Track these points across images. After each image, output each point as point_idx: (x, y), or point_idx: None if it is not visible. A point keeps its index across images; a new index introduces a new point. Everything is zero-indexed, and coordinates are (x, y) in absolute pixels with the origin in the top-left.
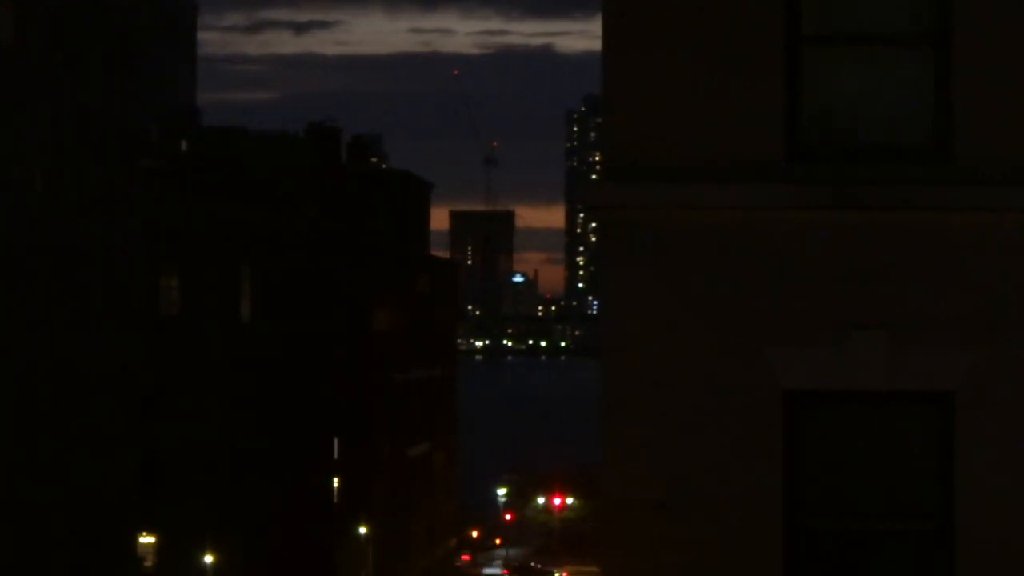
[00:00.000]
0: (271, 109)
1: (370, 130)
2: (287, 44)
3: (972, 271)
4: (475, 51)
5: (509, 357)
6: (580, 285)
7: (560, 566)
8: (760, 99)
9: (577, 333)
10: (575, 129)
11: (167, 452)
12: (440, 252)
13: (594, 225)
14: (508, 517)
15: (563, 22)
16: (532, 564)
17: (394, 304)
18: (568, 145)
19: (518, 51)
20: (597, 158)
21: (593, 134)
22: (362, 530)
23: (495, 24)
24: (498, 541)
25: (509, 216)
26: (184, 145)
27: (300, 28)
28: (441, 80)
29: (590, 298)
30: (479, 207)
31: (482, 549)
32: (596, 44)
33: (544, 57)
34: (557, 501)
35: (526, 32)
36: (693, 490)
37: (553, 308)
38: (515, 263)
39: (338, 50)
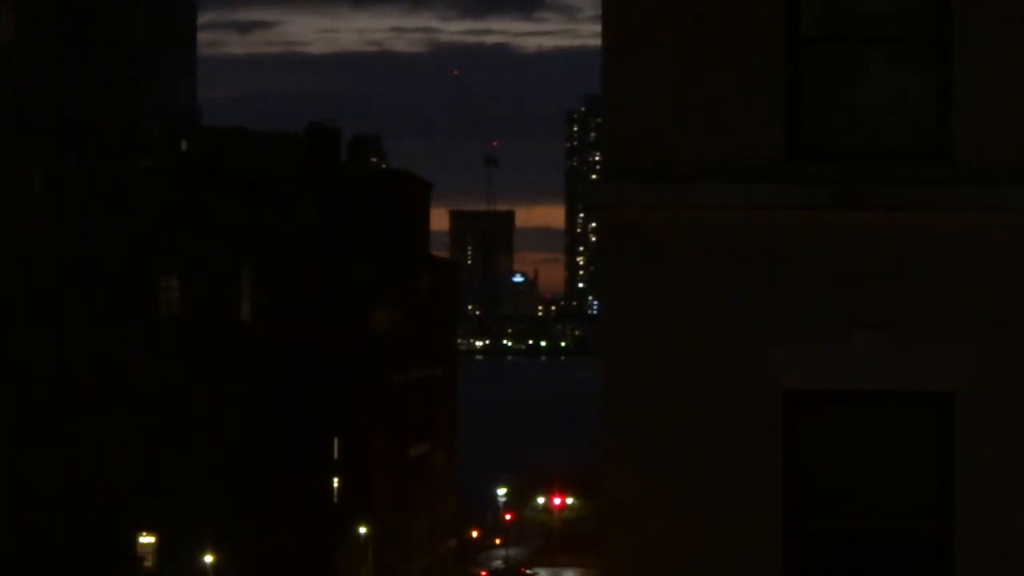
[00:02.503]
0: (222, 107)
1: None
2: (234, 44)
3: (972, 271)
4: (424, 50)
5: (509, 357)
6: (580, 285)
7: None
8: (760, 99)
9: (577, 333)
10: (575, 129)
11: (167, 452)
12: (440, 252)
13: (594, 225)
14: (508, 517)
15: (508, 22)
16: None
17: (394, 304)
18: (568, 145)
19: (471, 50)
20: (597, 158)
21: (593, 134)
22: (362, 530)
23: (436, 23)
24: (498, 541)
25: (509, 216)
26: (184, 145)
27: (243, 28)
28: (408, 79)
29: (590, 298)
30: (479, 207)
31: (482, 549)
32: (548, 42)
33: (504, 56)
34: (557, 501)
35: (471, 31)
36: (694, 490)
37: (553, 308)
38: (515, 263)
39: (287, 49)
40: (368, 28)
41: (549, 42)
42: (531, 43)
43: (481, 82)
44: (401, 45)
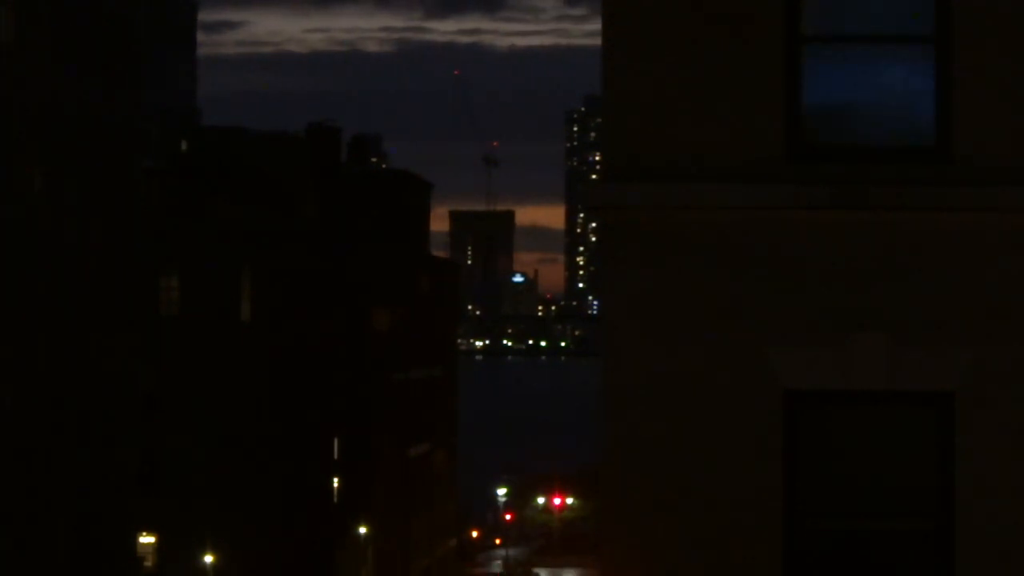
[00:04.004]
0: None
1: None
2: (204, 45)
3: (972, 271)
4: (391, 49)
5: (509, 357)
6: (580, 285)
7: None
8: (760, 99)
9: (577, 333)
10: (575, 129)
11: (167, 452)
12: (440, 252)
13: (594, 225)
14: (508, 517)
15: (474, 22)
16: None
17: (394, 304)
18: (568, 145)
19: (436, 48)
20: (597, 158)
21: (593, 134)
22: (362, 530)
23: (400, 22)
24: (498, 541)
25: (509, 216)
26: (184, 145)
27: (210, 29)
28: (379, 79)
29: (590, 298)
30: (479, 207)
31: (482, 549)
32: (520, 42)
33: (475, 55)
34: (557, 501)
35: (440, 30)
36: (694, 490)
37: (553, 308)
38: (515, 263)
39: (251, 50)
40: (334, 28)
41: (521, 42)
42: (503, 43)
43: (452, 80)
44: (371, 45)
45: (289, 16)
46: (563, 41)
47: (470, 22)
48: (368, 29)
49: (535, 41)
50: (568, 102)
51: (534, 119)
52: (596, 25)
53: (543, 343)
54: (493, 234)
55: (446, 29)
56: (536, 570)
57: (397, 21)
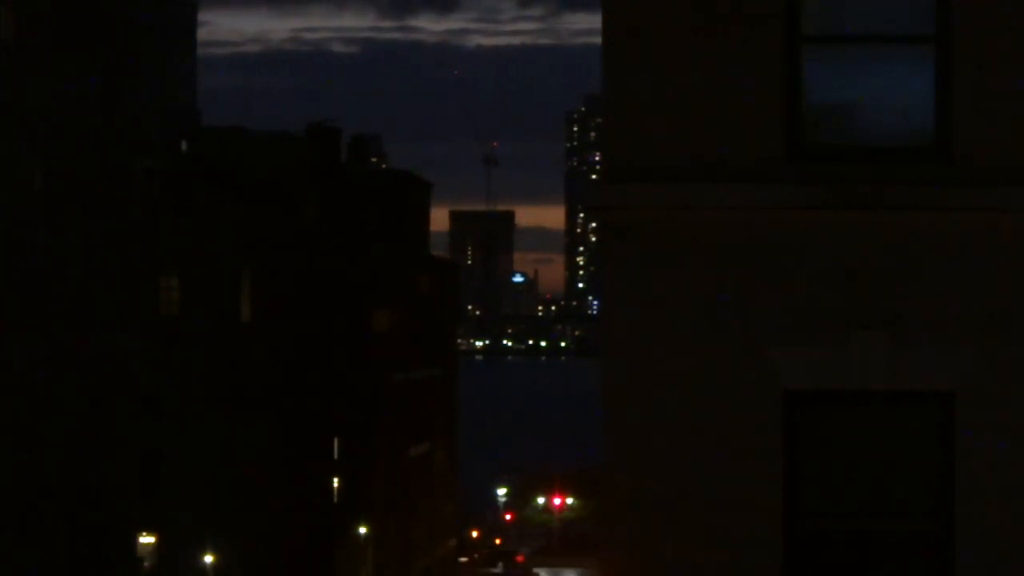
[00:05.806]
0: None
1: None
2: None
3: (972, 271)
4: (356, 49)
5: (509, 357)
6: (580, 285)
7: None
8: (760, 99)
9: (577, 333)
10: (575, 129)
11: (167, 452)
12: (440, 252)
13: (594, 225)
14: (508, 517)
15: (431, 21)
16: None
17: (394, 304)
18: (568, 145)
19: (403, 47)
20: (597, 158)
21: (593, 134)
22: (362, 530)
23: (359, 22)
24: (498, 541)
25: (509, 216)
26: (184, 145)
27: None
28: (351, 79)
29: (590, 298)
30: (479, 207)
31: (482, 549)
32: (487, 41)
33: (447, 55)
34: (557, 501)
35: (406, 29)
36: (694, 490)
37: (553, 308)
38: (515, 263)
39: (223, 51)
40: (299, 27)
41: (488, 41)
42: (472, 41)
43: (429, 81)
44: (337, 46)
45: (245, 16)
46: (529, 41)
47: (430, 23)
48: (329, 28)
49: (501, 41)
50: (560, 101)
51: (524, 118)
52: (563, 25)
53: (543, 343)
54: (493, 234)
55: (414, 28)
56: (536, 570)
57: (356, 21)
